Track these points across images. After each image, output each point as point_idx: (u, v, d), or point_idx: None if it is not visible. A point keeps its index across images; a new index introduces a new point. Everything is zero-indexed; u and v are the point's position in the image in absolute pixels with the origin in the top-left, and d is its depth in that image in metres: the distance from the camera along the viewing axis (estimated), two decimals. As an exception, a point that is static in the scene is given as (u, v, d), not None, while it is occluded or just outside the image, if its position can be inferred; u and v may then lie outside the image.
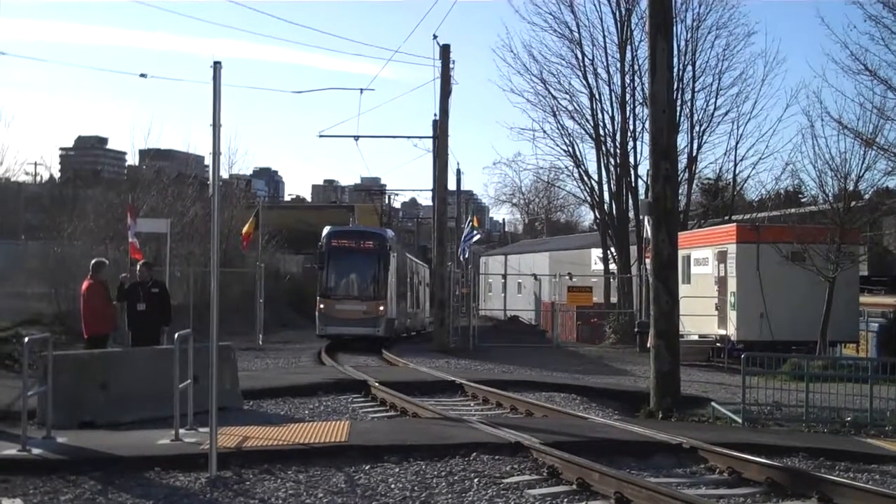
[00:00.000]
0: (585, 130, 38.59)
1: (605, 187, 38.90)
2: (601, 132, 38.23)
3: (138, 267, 16.31)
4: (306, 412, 14.41)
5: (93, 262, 15.89)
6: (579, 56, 38.11)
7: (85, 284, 15.54)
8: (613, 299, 38.45)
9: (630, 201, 37.90)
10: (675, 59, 30.60)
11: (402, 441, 10.52)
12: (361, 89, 34.50)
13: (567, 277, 39.22)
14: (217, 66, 9.09)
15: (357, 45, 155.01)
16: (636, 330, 29.06)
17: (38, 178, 61.14)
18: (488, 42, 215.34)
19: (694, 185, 38.51)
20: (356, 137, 37.43)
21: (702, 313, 26.45)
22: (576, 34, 38.12)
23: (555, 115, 39.01)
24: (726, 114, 37.30)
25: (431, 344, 30.53)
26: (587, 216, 71.17)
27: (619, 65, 37.75)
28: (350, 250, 30.35)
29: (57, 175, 73.71)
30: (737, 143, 37.10)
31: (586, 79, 38.08)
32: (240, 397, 14.35)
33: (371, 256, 30.06)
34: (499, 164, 75.75)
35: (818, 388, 15.06)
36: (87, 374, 12.40)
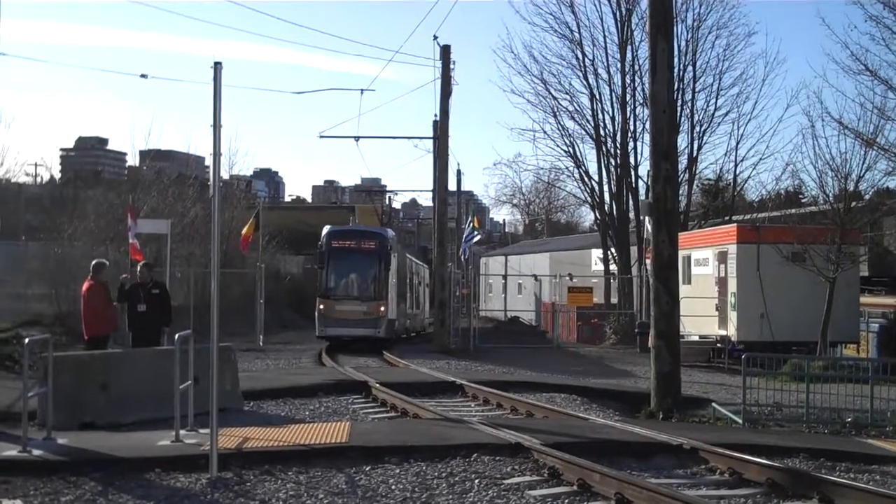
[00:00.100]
0: (586, 131, 38.62)
1: (606, 188, 38.92)
2: (601, 133, 38.25)
3: (139, 268, 16.32)
4: (307, 413, 14.41)
5: (93, 263, 15.89)
6: (580, 56, 38.14)
7: (85, 285, 15.55)
8: (614, 300, 38.45)
9: (630, 202, 37.89)
10: (676, 60, 30.57)
11: (402, 442, 10.52)
12: (362, 90, 34.44)
13: (567, 278, 39.20)
14: (217, 66, 9.09)
15: (357, 46, 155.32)
16: (637, 330, 29.03)
17: (39, 179, 61.14)
18: (489, 43, 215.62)
19: (694, 186, 38.51)
20: (356, 138, 37.46)
21: (702, 314, 26.43)
22: (576, 34, 38.15)
23: (555, 116, 39.04)
24: (727, 114, 37.33)
25: (432, 345, 30.51)
26: (587, 217, 71.25)
27: (619, 65, 37.78)
28: (350, 250, 29.98)
29: (57, 176, 73.82)
30: (737, 143, 37.11)
31: (587, 79, 38.11)
32: (240, 398, 14.35)
33: (372, 256, 29.68)
34: (499, 165, 75.89)
35: (819, 389, 15.06)
36: (87, 375, 12.40)
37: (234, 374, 14.45)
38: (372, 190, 57.52)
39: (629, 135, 37.72)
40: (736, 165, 37.40)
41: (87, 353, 14.25)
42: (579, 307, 36.37)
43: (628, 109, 37.64)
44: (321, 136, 42.78)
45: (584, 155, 39.69)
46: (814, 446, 11.47)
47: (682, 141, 35.23)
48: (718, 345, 26.77)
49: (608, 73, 38.05)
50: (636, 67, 36.93)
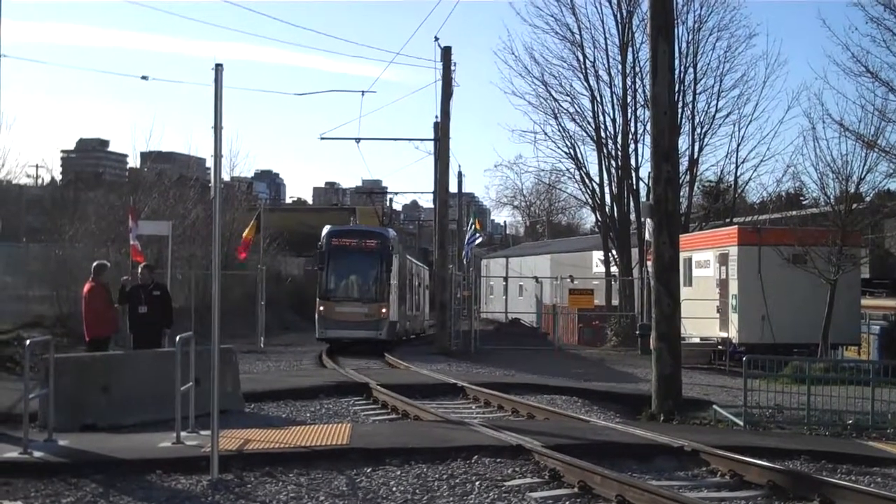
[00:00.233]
0: (587, 133, 38.67)
1: (607, 190, 38.97)
2: (602, 134, 38.30)
3: (140, 269, 16.33)
4: (308, 415, 14.40)
5: (94, 264, 15.91)
6: (580, 58, 38.20)
7: (86, 287, 15.57)
8: (615, 302, 38.47)
9: (631, 204, 37.93)
10: (677, 62, 30.70)
11: (403, 444, 10.52)
12: (363, 91, 34.39)
13: (568, 280, 39.25)
14: (218, 68, 9.09)
15: (358, 48, 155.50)
16: (638, 332, 29.05)
17: (40, 181, 61.10)
18: (490, 44, 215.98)
19: (695, 188, 38.55)
20: (357, 140, 37.45)
21: (703, 316, 26.43)
22: (577, 36, 38.22)
23: (556, 118, 39.10)
24: (727, 116, 37.41)
25: (432, 347, 30.49)
26: (588, 218, 71.34)
27: (620, 67, 37.84)
28: (351, 250, 29.47)
29: (58, 177, 73.79)
30: (738, 145, 37.20)
31: (587, 81, 38.17)
32: (241, 400, 14.35)
33: (373, 257, 29.23)
34: (500, 167, 75.64)
35: (820, 391, 15.06)
36: (88, 377, 12.41)
37: (235, 376, 14.45)
38: (373, 191, 57.44)
39: (630, 136, 37.78)
40: (737, 167, 37.52)
41: (88, 354, 14.25)
42: (580, 309, 36.37)
43: (629, 111, 37.75)
44: (322, 138, 42.89)
45: (585, 157, 39.83)
46: (815, 448, 11.46)
47: (683, 143, 35.32)
48: (719, 347, 26.75)
49: (609, 74, 38.17)
50: (637, 69, 37.02)
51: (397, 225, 71.75)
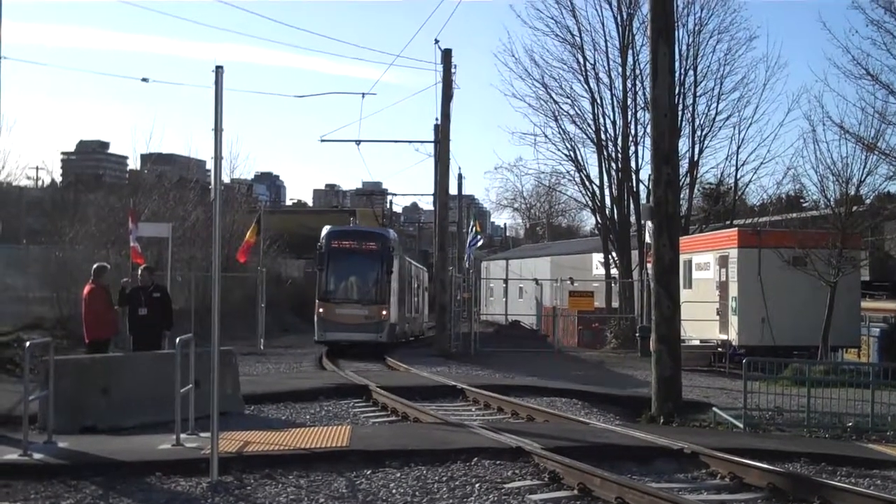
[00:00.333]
0: (587, 135, 38.65)
1: (607, 192, 38.96)
2: (603, 137, 38.29)
3: (140, 271, 16.34)
4: (307, 417, 14.40)
5: (94, 266, 15.91)
6: (581, 61, 38.19)
7: (86, 289, 15.57)
8: (615, 304, 38.43)
9: (631, 206, 37.92)
10: (677, 64, 30.68)
11: (403, 446, 10.52)
12: (363, 94, 34.49)
13: (568, 282, 39.23)
14: (219, 70, 9.09)
15: (359, 50, 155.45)
16: (638, 335, 29.04)
17: (40, 183, 61.14)
18: (490, 46, 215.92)
19: (695, 190, 38.53)
20: (358, 142, 37.62)
21: (703, 318, 26.44)
22: (577, 39, 38.20)
23: (556, 120, 39.08)
24: (728, 118, 37.39)
25: (432, 349, 30.44)
26: (588, 221, 71.31)
27: (620, 69, 37.83)
28: (351, 251, 29.00)
29: (58, 179, 73.84)
30: (738, 147, 37.18)
31: (588, 83, 38.15)
32: (241, 402, 14.34)
33: (373, 258, 28.82)
34: (500, 169, 75.95)
35: (820, 394, 15.07)
36: (88, 379, 12.40)
37: (235, 378, 14.44)
38: (373, 193, 57.45)
39: (630, 139, 37.78)
40: (737, 169, 37.50)
41: (88, 356, 14.25)
42: (580, 311, 36.35)
43: (629, 113, 37.73)
44: (322, 140, 42.95)
45: (585, 159, 39.80)
46: (815, 451, 11.46)
47: (684, 145, 35.33)
48: (719, 349, 26.76)
49: (609, 77, 38.16)
50: (637, 71, 37.01)
51: (397, 227, 71.75)
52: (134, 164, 49.00)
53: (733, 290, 26.17)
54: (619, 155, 38.09)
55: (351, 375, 19.75)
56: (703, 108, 37.43)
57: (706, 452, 10.54)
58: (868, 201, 26.73)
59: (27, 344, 10.98)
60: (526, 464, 9.95)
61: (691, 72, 37.01)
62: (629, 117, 37.71)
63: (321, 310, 28.35)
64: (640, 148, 37.55)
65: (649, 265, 19.15)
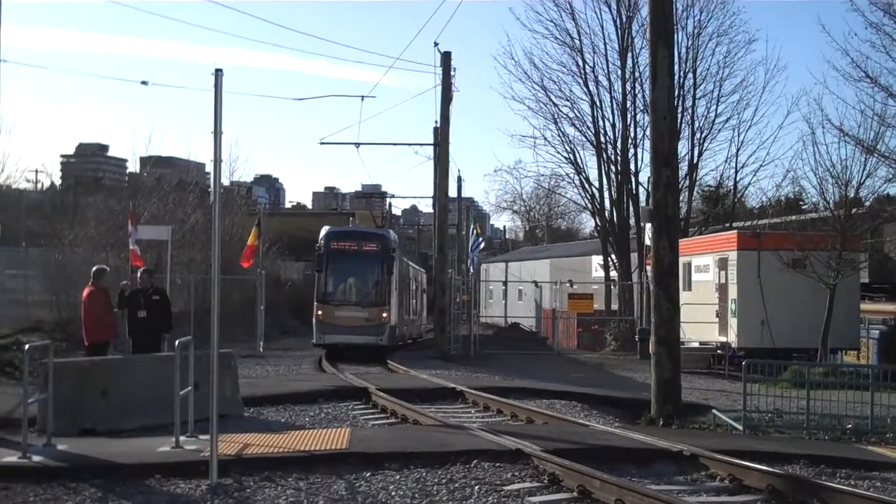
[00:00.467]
0: (586, 137, 38.66)
1: (606, 194, 38.97)
2: (602, 139, 38.31)
3: (139, 274, 16.32)
4: (307, 419, 14.40)
5: (94, 269, 15.93)
6: (580, 63, 38.21)
7: (86, 291, 15.57)
8: (614, 306, 38.44)
9: (631, 208, 37.94)
10: (676, 67, 30.66)
11: (402, 448, 10.52)
12: (362, 96, 34.60)
13: (568, 284, 39.21)
14: (218, 73, 9.11)
15: (358, 53, 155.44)
16: (637, 337, 29.05)
17: (40, 186, 61.18)
18: (489, 49, 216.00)
19: (695, 193, 38.54)
20: (357, 144, 37.60)
21: (703, 320, 26.44)
22: (577, 42, 38.22)
23: (556, 123, 39.09)
24: (727, 121, 37.37)
25: (431, 351, 30.40)
26: (588, 223, 71.17)
27: (619, 72, 37.85)
28: (351, 252, 28.47)
29: (58, 182, 73.88)
30: (738, 150, 37.16)
31: (587, 86, 38.17)
32: (240, 404, 14.35)
33: (373, 259, 28.25)
34: (500, 172, 75.65)
35: (819, 396, 15.07)
36: (87, 382, 12.41)
37: (235, 381, 14.45)
38: (372, 196, 57.35)
39: (630, 141, 37.80)
40: (736, 172, 37.48)
41: (87, 359, 14.25)
42: (580, 313, 36.37)
43: (629, 116, 37.76)
44: (322, 143, 43.13)
45: (584, 161, 39.79)
46: (814, 453, 11.46)
47: (683, 147, 35.34)
48: (719, 351, 26.76)
49: (609, 79, 38.18)
50: (637, 74, 37.04)
51: (397, 229, 71.84)
52: (133, 166, 48.98)
53: (733, 292, 26.18)
54: (619, 157, 38.11)
55: (350, 378, 19.75)
56: (702, 111, 37.49)
57: (706, 454, 10.54)
58: (867, 204, 26.73)
59: (26, 346, 10.98)
60: (525, 466, 9.95)
61: (690, 74, 37.05)
62: (628, 120, 37.77)
63: (320, 312, 27.92)
64: (639, 150, 37.61)
65: (649, 267, 19.16)
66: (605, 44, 38.05)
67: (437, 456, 10.23)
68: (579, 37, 38.15)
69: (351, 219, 43.42)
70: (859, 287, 27.50)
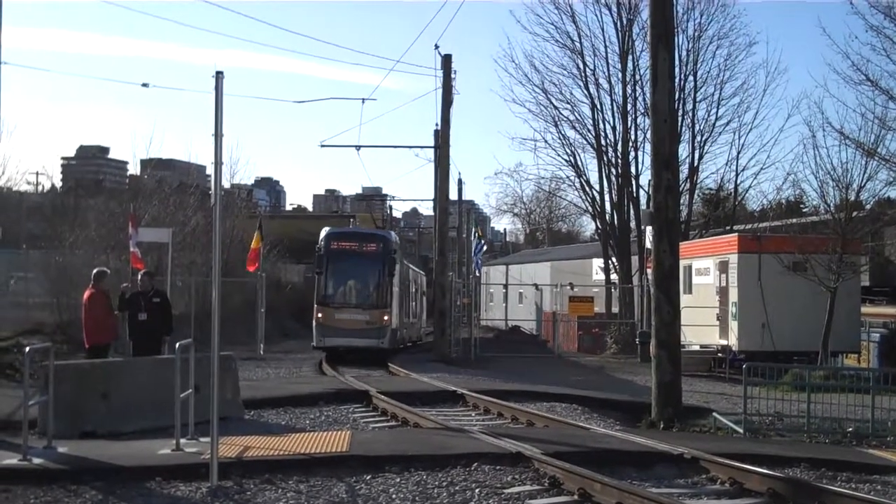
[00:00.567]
0: (587, 140, 38.72)
1: (607, 197, 39.01)
2: (602, 142, 38.35)
3: (140, 276, 16.32)
4: (307, 422, 14.40)
5: (94, 271, 15.92)
6: (581, 66, 38.28)
7: (86, 294, 15.56)
8: (615, 309, 38.45)
9: (631, 211, 37.96)
10: (677, 70, 30.71)
11: (403, 451, 10.52)
12: (363, 99, 34.54)
13: (568, 287, 39.22)
14: (219, 75, 9.11)
15: (359, 55, 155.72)
16: (637, 340, 29.07)
17: (40, 188, 61.28)
18: (490, 52, 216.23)
19: (695, 196, 38.55)
20: (358, 147, 37.60)
21: (703, 323, 26.43)
22: (577, 44, 38.30)
23: (556, 125, 39.14)
24: (728, 124, 37.42)
25: (432, 354, 30.36)
26: (588, 226, 71.22)
27: (620, 75, 37.91)
28: (351, 253, 27.88)
29: (58, 184, 74.09)
30: (738, 153, 37.19)
31: (588, 89, 38.23)
32: (241, 407, 14.34)
33: (374, 260, 27.69)
34: (500, 174, 76.02)
35: (820, 399, 15.06)
36: (88, 384, 12.40)
37: (235, 383, 14.44)
38: (372, 198, 57.31)
39: (630, 144, 37.85)
40: (737, 175, 37.52)
41: (87, 361, 14.24)
42: (580, 316, 36.36)
43: (629, 119, 37.82)
44: (322, 146, 43.19)
45: (585, 164, 39.84)
46: (815, 456, 11.46)
47: (684, 150, 35.37)
48: (719, 354, 26.76)
49: (609, 82, 38.25)
50: (637, 77, 37.08)
51: (398, 231, 71.87)
52: (134, 169, 49.11)
53: (733, 295, 26.17)
54: (619, 160, 38.15)
55: (351, 381, 19.74)
56: (702, 114, 37.55)
57: (706, 458, 10.54)
58: (868, 207, 26.71)
59: (27, 349, 10.98)
60: (526, 469, 9.95)
61: (691, 77, 37.13)
62: (629, 123, 37.83)
63: (320, 314, 27.46)
64: (640, 153, 37.67)
65: (649, 270, 19.16)
66: (605, 46, 38.18)
67: (437, 459, 10.22)
68: (580, 39, 38.27)
69: (352, 220, 43.34)
70: (860, 290, 27.50)
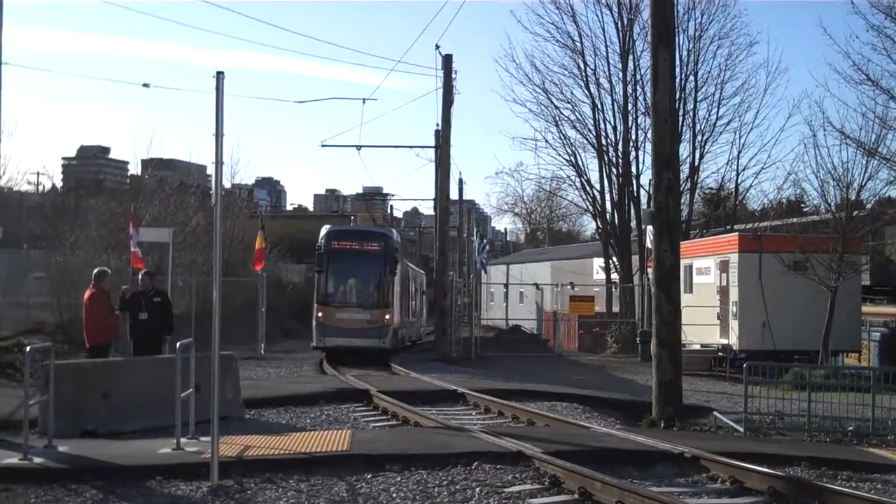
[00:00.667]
0: (587, 140, 38.73)
1: (607, 197, 39.05)
2: (603, 142, 38.36)
3: (140, 276, 16.33)
4: (308, 421, 14.41)
5: (95, 271, 15.93)
6: (581, 66, 38.28)
7: (87, 294, 15.57)
8: (615, 309, 38.44)
9: (632, 211, 37.96)
10: (678, 69, 30.72)
11: (403, 450, 10.52)
12: (364, 99, 34.55)
13: (569, 287, 39.21)
14: (220, 75, 9.11)
15: (359, 55, 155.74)
16: (638, 339, 29.06)
17: (41, 188, 61.26)
18: (491, 52, 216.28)
19: (696, 195, 38.58)
20: (358, 147, 37.68)
21: (704, 322, 26.43)
22: (578, 44, 38.31)
23: (557, 125, 39.16)
24: (728, 123, 37.44)
25: (432, 353, 30.33)
26: (589, 226, 71.23)
27: (621, 75, 37.93)
28: (352, 252, 27.42)
29: (59, 184, 74.08)
30: (739, 152, 37.21)
31: (588, 89, 38.24)
32: (241, 406, 14.35)
33: (376, 259, 27.24)
34: (501, 174, 76.02)
35: (820, 398, 15.07)
36: (88, 384, 12.41)
37: (236, 383, 14.45)
38: (373, 198, 57.27)
39: (631, 144, 37.87)
40: (738, 174, 37.54)
41: (88, 361, 14.25)
42: (581, 316, 36.34)
43: (630, 119, 37.82)
44: (323, 146, 43.31)
45: (585, 164, 39.85)
46: (815, 455, 11.46)
47: (684, 150, 35.35)
48: (720, 353, 26.76)
49: (610, 82, 38.26)
50: (638, 77, 37.10)
51: (399, 231, 71.80)
52: (135, 169, 49.19)
53: (734, 294, 26.17)
54: (620, 160, 38.16)
55: (351, 380, 19.75)
56: (703, 114, 37.56)
57: (707, 456, 10.54)
58: (869, 206, 26.72)
59: (28, 348, 10.99)
60: (526, 468, 9.95)
61: (692, 77, 37.14)
62: (630, 122, 37.83)
63: (320, 314, 26.97)
64: (640, 153, 37.69)
65: (650, 270, 19.14)
66: (606, 46, 38.18)
67: (438, 458, 10.23)
68: (580, 39, 38.27)
69: (352, 220, 43.28)
70: (860, 289, 27.50)
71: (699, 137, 37.29)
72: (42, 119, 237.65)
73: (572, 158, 39.22)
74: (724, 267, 27.02)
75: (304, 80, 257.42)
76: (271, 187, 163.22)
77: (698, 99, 37.31)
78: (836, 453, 12.05)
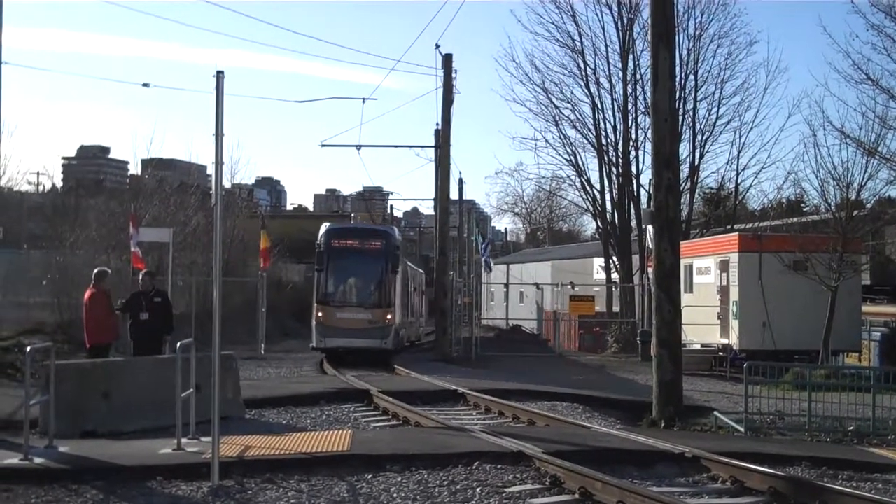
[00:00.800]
0: (587, 140, 38.72)
1: (608, 196, 39.03)
2: (603, 141, 38.35)
3: (141, 276, 16.34)
4: (308, 421, 14.41)
5: (95, 271, 15.92)
6: (581, 66, 38.27)
7: (87, 294, 15.57)
8: (616, 308, 38.43)
9: (632, 210, 37.96)
10: (678, 69, 30.73)
11: (404, 450, 10.52)
12: (364, 99, 34.43)
13: (569, 286, 39.21)
14: (220, 75, 9.11)
15: (359, 55, 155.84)
16: (638, 339, 29.06)
17: (41, 188, 61.30)
18: (491, 51, 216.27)
19: (696, 195, 38.58)
20: (358, 147, 37.58)
21: (704, 322, 26.42)
22: (578, 44, 38.29)
23: (557, 125, 39.15)
24: (728, 123, 37.44)
25: (432, 353, 30.34)
26: (589, 225, 71.25)
27: (621, 74, 37.91)
28: (353, 250, 26.85)
29: (59, 184, 74.08)
30: (739, 152, 37.20)
31: (588, 88, 38.23)
32: (242, 406, 14.35)
33: (377, 257, 26.67)
34: (501, 174, 76.04)
35: (821, 398, 15.06)
36: (89, 384, 12.42)
37: (236, 383, 14.45)
38: (373, 198, 57.23)
39: (631, 143, 37.86)
40: (738, 174, 37.54)
41: (88, 361, 14.25)
42: (581, 316, 36.34)
43: (630, 118, 37.81)
44: (323, 145, 43.33)
45: (585, 164, 39.84)
46: (816, 455, 11.46)
47: (684, 150, 35.35)
48: (720, 353, 26.75)
49: (610, 82, 38.24)
50: (638, 76, 37.08)
51: (398, 230, 71.79)
52: (135, 168, 49.14)
53: (734, 294, 26.17)
54: (620, 159, 38.15)
55: (351, 380, 19.74)
56: (703, 113, 37.55)
57: (707, 456, 10.54)
58: (869, 206, 26.72)
59: (28, 349, 11.00)
60: (527, 468, 9.95)
61: (692, 76, 37.14)
62: (630, 122, 37.83)
63: (320, 314, 26.38)
64: (640, 152, 37.68)
65: (650, 269, 19.14)
66: (606, 46, 38.16)
67: (438, 458, 10.23)
68: (580, 39, 38.26)
69: (353, 218, 43.24)
70: (861, 289, 27.49)
71: (699, 137, 37.35)
72: (42, 119, 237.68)
73: (572, 158, 39.26)
74: (724, 267, 27.02)
75: (305, 80, 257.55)
76: (271, 187, 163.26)
77: (698, 98, 37.36)
78: (836, 453, 12.05)
